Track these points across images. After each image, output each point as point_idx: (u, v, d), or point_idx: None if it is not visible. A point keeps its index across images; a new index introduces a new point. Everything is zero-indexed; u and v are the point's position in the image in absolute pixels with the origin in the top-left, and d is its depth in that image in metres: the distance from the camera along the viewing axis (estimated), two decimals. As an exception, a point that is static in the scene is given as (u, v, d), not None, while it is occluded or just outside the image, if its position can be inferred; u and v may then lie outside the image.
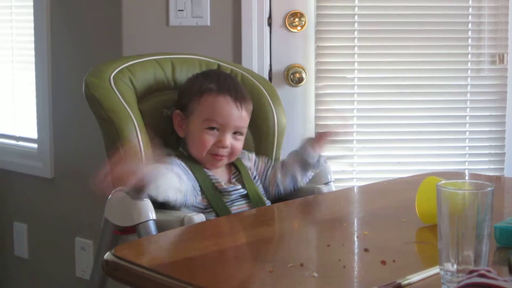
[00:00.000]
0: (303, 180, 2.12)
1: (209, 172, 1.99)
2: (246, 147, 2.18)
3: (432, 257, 1.27)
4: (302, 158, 2.09)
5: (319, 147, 2.10)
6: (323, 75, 2.66)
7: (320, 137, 2.12)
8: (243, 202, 2.00)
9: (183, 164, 1.95)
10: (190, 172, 1.95)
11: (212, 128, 1.99)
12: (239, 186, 2.01)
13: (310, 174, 2.12)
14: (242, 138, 2.04)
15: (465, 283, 1.05)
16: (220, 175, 2.02)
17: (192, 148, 2.01)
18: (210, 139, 1.98)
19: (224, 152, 1.99)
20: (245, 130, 2.05)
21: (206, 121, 1.99)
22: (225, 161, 2.02)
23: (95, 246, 2.79)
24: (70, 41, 2.82)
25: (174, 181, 1.82)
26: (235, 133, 2.01)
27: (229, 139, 1.99)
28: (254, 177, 2.09)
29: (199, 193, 1.93)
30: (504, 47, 2.69)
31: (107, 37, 2.67)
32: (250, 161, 2.12)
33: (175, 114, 2.05)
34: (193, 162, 1.99)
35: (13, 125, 3.20)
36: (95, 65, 2.07)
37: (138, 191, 1.72)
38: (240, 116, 2.01)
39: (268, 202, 2.05)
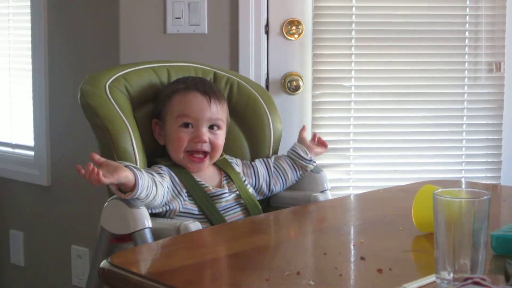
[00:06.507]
0: (293, 178, 2.16)
1: (197, 178, 1.98)
2: (242, 155, 2.18)
3: (428, 266, 1.27)
4: (293, 157, 2.16)
5: (310, 149, 2.17)
6: (320, 83, 2.66)
7: (313, 139, 2.23)
8: (238, 210, 2.00)
9: (171, 171, 1.95)
10: (176, 178, 1.94)
11: (186, 126, 1.98)
12: (227, 189, 2.00)
13: (300, 173, 2.17)
14: (220, 133, 2.03)
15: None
16: (209, 180, 2.00)
17: (171, 151, 2.01)
18: (184, 136, 1.98)
19: (204, 147, 1.98)
20: (222, 124, 2.03)
21: (179, 118, 1.99)
22: (207, 162, 2.00)
23: (91, 254, 2.78)
24: (67, 49, 2.82)
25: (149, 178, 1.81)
26: (211, 127, 2.01)
27: (206, 134, 1.98)
28: (244, 181, 2.08)
29: (186, 198, 1.93)
30: (501, 55, 2.70)
31: (104, 45, 2.67)
32: (238, 166, 2.11)
33: (153, 123, 2.06)
34: (178, 168, 1.98)
35: (10, 133, 3.19)
36: (91, 73, 2.06)
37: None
38: (212, 108, 2.01)
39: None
